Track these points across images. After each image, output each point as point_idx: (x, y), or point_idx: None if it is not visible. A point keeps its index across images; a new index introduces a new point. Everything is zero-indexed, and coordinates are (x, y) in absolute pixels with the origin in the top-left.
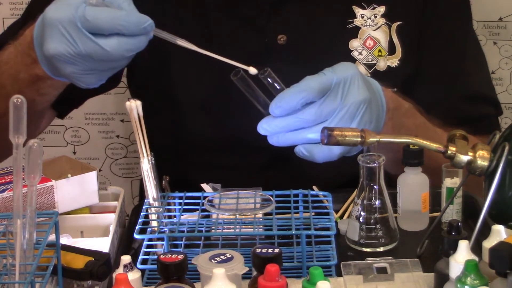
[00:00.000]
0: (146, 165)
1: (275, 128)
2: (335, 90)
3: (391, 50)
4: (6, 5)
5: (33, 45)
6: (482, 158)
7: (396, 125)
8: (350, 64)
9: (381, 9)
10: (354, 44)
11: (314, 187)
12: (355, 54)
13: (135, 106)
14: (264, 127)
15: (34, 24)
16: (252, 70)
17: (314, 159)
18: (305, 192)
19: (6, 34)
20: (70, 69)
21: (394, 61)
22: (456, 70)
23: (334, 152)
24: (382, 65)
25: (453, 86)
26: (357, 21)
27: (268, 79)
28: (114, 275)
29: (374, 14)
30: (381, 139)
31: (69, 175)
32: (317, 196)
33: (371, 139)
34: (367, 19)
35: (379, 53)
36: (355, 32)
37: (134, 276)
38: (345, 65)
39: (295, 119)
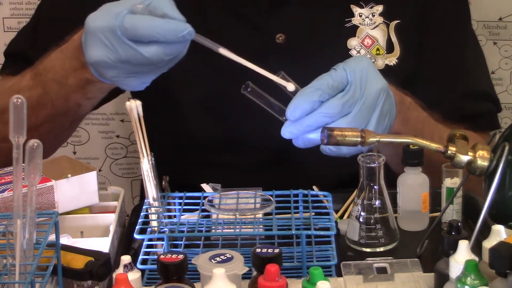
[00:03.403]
0: (146, 165)
1: (301, 128)
2: (354, 82)
3: (389, 48)
4: (6, 5)
5: (81, 49)
6: (482, 158)
7: (405, 119)
8: (362, 56)
9: (379, 8)
10: (352, 43)
11: (314, 187)
12: (353, 53)
13: (135, 106)
14: (289, 130)
15: (83, 30)
16: (290, 87)
17: (341, 154)
18: (305, 192)
19: (20, 41)
20: (112, 73)
21: (392, 60)
22: (456, 68)
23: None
24: (380, 63)
25: (453, 84)
26: (355, 20)
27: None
28: (114, 275)
29: (372, 13)
30: (381, 139)
31: (69, 175)
32: (317, 196)
33: (371, 139)
34: (365, 17)
35: (377, 52)
36: (353, 31)
37: (134, 276)
38: (357, 57)
39: (319, 114)
